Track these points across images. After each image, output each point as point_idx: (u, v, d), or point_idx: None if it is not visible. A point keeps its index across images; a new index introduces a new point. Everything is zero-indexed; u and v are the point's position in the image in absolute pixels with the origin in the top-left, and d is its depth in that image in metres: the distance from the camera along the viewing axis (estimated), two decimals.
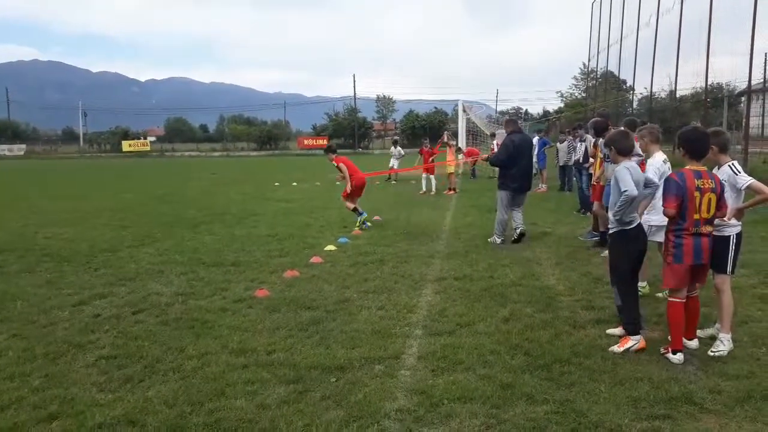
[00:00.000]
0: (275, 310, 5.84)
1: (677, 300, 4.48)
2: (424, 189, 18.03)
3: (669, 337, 4.55)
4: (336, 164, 11.22)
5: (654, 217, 5.66)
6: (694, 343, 4.61)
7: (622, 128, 6.35)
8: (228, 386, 4.06)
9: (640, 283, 5.56)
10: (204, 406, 3.78)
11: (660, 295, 6.06)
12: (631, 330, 4.75)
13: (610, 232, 5.00)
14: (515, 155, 9.32)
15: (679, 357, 4.37)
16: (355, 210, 11.15)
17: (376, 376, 4.20)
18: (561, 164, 17.87)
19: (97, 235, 10.74)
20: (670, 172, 5.62)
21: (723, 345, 4.53)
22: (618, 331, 4.97)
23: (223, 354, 4.68)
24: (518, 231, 9.48)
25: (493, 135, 25.04)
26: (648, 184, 5.04)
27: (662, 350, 4.51)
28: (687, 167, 4.44)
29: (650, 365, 4.32)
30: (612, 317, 5.41)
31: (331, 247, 9.00)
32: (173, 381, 4.18)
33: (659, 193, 5.01)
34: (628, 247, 4.85)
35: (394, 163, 23.35)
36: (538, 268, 7.54)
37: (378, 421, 3.55)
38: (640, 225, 4.92)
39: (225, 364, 4.47)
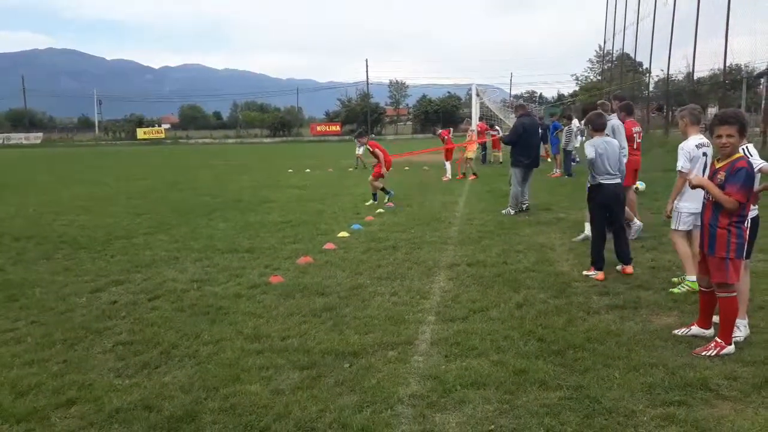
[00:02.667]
0: (289, 296, 5.87)
1: (734, 294, 4.27)
2: (448, 176, 17.97)
3: (717, 334, 4.29)
4: (371, 149, 12.65)
5: (685, 204, 5.58)
6: (710, 332, 4.55)
7: (598, 110, 7.23)
8: (243, 372, 4.10)
9: (689, 278, 5.70)
10: (219, 391, 3.82)
11: (675, 279, 6.01)
12: (596, 266, 6.36)
13: (588, 186, 6.61)
14: (524, 135, 10.83)
15: (733, 347, 4.22)
16: (383, 189, 12.42)
17: (389, 362, 4.21)
18: (565, 149, 17.69)
19: (113, 222, 10.85)
20: (703, 157, 5.52)
21: (739, 331, 4.47)
22: (589, 272, 6.40)
23: (237, 340, 4.72)
24: (524, 206, 10.88)
25: (492, 126, 25.25)
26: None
27: (712, 353, 4.17)
28: (742, 153, 4.27)
29: (665, 351, 4.29)
30: (626, 302, 5.41)
31: (344, 234, 9.02)
32: (189, 367, 4.23)
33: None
34: (596, 198, 6.45)
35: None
36: (551, 254, 7.50)
37: (391, 406, 3.56)
38: (608, 185, 6.38)
39: (240, 349, 4.51)
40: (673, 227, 5.77)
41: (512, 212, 10.56)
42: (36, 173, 24.58)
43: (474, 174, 18.10)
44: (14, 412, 3.61)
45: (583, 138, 17.93)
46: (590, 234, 7.92)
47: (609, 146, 6.48)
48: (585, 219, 8.16)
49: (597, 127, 6.57)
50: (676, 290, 5.78)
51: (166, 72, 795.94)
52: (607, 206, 6.49)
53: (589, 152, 6.39)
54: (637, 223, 8.15)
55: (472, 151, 18.94)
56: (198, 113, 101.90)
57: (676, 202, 5.60)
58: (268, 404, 3.62)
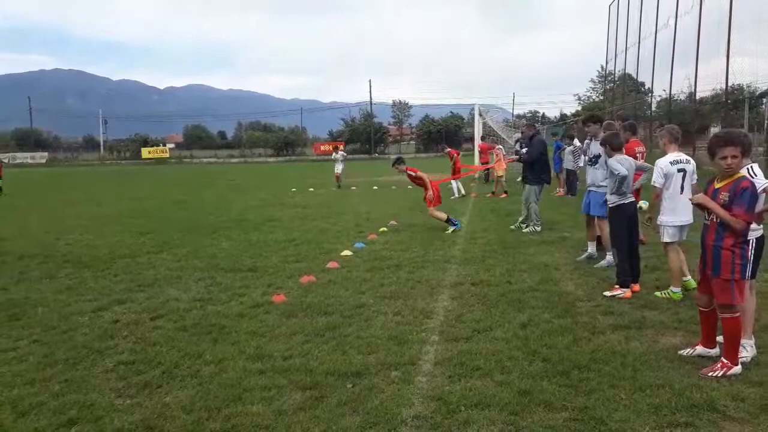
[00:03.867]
0: (292, 316, 5.85)
1: (738, 315, 4.23)
2: (456, 195, 18.01)
3: (723, 354, 4.24)
4: (413, 174, 11.47)
5: (666, 218, 6.11)
6: (716, 351, 4.51)
7: (614, 131, 7.47)
8: (245, 392, 4.07)
9: (673, 289, 6.16)
10: (221, 411, 3.79)
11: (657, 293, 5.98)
12: (622, 283, 6.30)
13: (610, 206, 6.55)
14: (545, 153, 11.06)
15: (740, 367, 4.18)
16: (447, 219, 11.20)
17: (392, 383, 4.18)
18: (567, 168, 17.73)
19: (116, 241, 10.87)
20: (679, 173, 6.04)
21: (746, 351, 4.43)
22: (614, 292, 6.28)
23: (240, 359, 4.69)
24: (523, 224, 10.99)
25: (494, 145, 25.48)
26: (642, 168, 7.05)
27: (719, 373, 4.11)
28: (745, 173, 4.26)
29: (671, 371, 4.25)
30: (631, 323, 5.36)
31: (347, 253, 9.00)
32: (191, 387, 4.20)
33: (667, 193, 6.02)
34: (624, 217, 6.43)
35: (339, 167, 23.54)
36: (556, 273, 7.47)
37: (395, 427, 3.53)
38: (632, 203, 6.51)
39: (242, 369, 4.48)
40: (662, 240, 6.27)
41: (538, 229, 10.66)
42: (40, 193, 24.66)
43: (505, 192, 18.14)
44: None
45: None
46: (614, 258, 7.84)
47: (629, 163, 6.58)
48: (607, 243, 8.03)
49: (616, 146, 6.62)
50: (658, 294, 6.22)
51: (170, 92, 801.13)
52: (630, 224, 6.52)
53: (621, 169, 6.36)
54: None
55: (502, 170, 18.85)
56: (202, 133, 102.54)
57: (661, 219, 6.12)
58: (270, 425, 3.59)
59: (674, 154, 6.12)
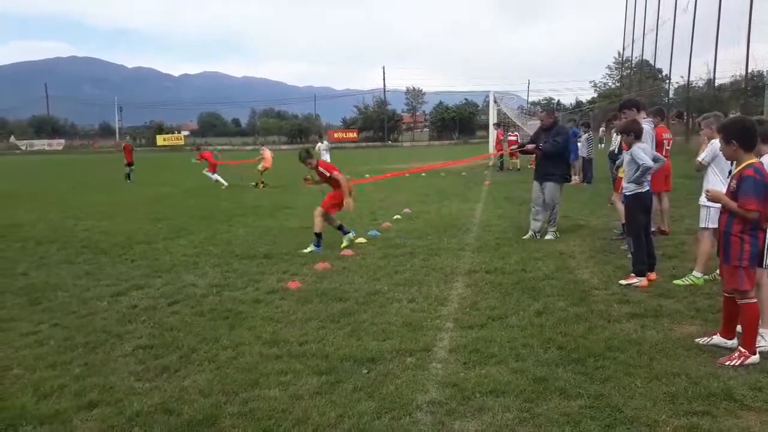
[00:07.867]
0: (307, 302, 5.88)
1: (754, 300, 4.21)
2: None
3: (741, 343, 4.23)
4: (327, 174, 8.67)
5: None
6: (733, 342, 4.46)
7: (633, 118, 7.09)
8: (262, 376, 4.11)
9: (696, 273, 6.16)
10: (238, 395, 3.83)
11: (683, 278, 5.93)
12: (638, 272, 6.23)
13: (627, 194, 6.39)
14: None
15: (757, 356, 4.15)
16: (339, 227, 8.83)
17: (407, 369, 4.20)
18: (583, 156, 17.65)
19: (133, 227, 10.98)
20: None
21: (764, 340, 4.38)
22: (630, 280, 6.22)
23: (256, 345, 4.73)
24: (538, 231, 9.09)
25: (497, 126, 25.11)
26: (656, 159, 6.58)
27: (736, 363, 4.09)
28: (754, 160, 4.19)
29: (688, 360, 4.22)
30: (647, 311, 5.33)
31: (361, 240, 9.02)
32: (208, 371, 4.25)
33: (718, 179, 5.85)
34: (642, 205, 6.31)
35: (326, 156, 23.36)
36: (571, 262, 7.43)
37: (410, 413, 3.55)
38: (649, 189, 6.37)
39: (258, 354, 4.52)
40: (702, 225, 6.11)
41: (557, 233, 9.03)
42: (58, 179, 24.93)
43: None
44: (37, 414, 3.66)
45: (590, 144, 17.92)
46: (629, 247, 7.73)
47: (652, 153, 6.52)
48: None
49: (639, 134, 6.46)
50: (679, 282, 6.14)
51: (185, 79, 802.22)
52: (646, 213, 6.44)
53: (645, 159, 6.20)
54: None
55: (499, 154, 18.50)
56: (217, 120, 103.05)
57: (705, 201, 5.84)
58: (287, 409, 3.63)
59: None
